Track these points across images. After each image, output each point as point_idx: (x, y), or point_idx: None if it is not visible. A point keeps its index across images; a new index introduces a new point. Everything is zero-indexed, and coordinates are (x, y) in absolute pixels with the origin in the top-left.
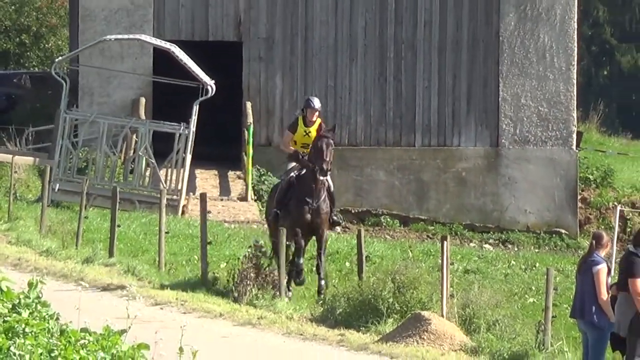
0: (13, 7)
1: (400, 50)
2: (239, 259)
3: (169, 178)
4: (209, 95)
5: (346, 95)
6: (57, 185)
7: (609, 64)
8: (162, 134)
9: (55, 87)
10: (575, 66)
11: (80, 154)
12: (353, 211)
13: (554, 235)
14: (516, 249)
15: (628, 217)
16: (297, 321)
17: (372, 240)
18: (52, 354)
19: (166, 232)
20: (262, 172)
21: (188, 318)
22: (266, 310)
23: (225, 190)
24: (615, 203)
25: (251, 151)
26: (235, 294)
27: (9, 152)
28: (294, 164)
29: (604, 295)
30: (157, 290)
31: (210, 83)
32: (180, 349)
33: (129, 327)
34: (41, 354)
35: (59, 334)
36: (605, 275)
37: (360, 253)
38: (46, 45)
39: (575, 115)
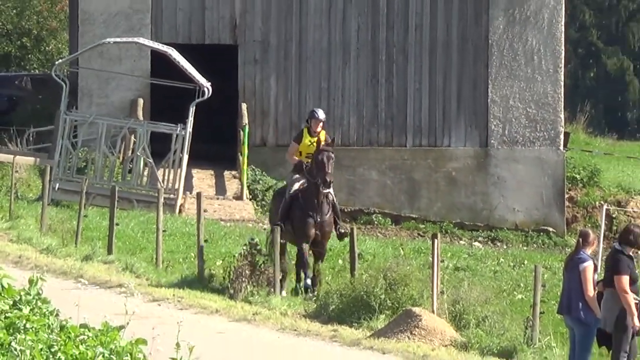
0: (14, 11)
1: (391, 53)
2: (234, 256)
3: (166, 177)
4: (206, 97)
5: (339, 97)
6: (57, 184)
7: (596, 67)
8: (160, 135)
9: (56, 88)
10: (563, 68)
11: (80, 154)
12: (346, 210)
13: (541, 233)
14: (505, 247)
15: (614, 216)
16: (291, 317)
17: (364, 238)
18: (52, 349)
19: (163, 231)
20: (257, 172)
21: (185, 314)
22: (261, 307)
23: (221, 189)
24: (602, 202)
25: (246, 151)
26: (231, 291)
27: (10, 152)
28: (298, 177)
29: (591, 292)
30: (155, 287)
31: (206, 85)
32: (177, 345)
33: (127, 323)
34: (41, 349)
35: (59, 329)
36: (591, 273)
37: (352, 251)
38: (47, 48)
39: (562, 116)
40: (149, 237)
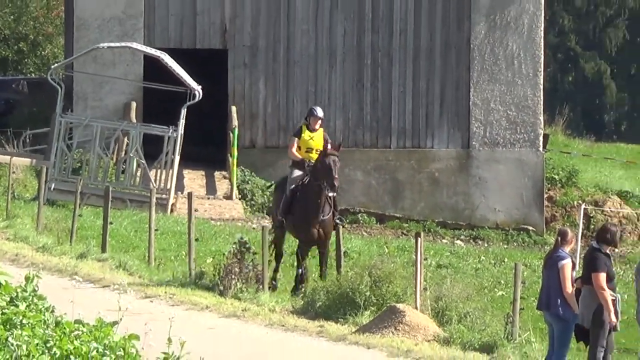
0: (12, 17)
1: (377, 57)
2: (224, 254)
3: (158, 178)
4: (196, 100)
5: (326, 100)
6: (53, 184)
7: (574, 71)
8: (152, 137)
9: (51, 92)
10: (542, 72)
11: (75, 156)
12: None
13: (521, 232)
14: (486, 245)
15: (591, 215)
16: (279, 313)
17: (350, 236)
18: (48, 345)
19: (156, 230)
20: (247, 173)
21: (176, 310)
22: (250, 303)
23: (211, 189)
24: (580, 202)
25: (236, 153)
26: (221, 288)
27: (7, 154)
28: (298, 172)
29: (569, 288)
30: (147, 284)
31: (197, 88)
32: (169, 340)
33: (121, 319)
34: (37, 344)
35: (54, 325)
36: (570, 270)
37: (338, 249)
38: (43, 53)
39: (542, 118)
40: (142, 236)
